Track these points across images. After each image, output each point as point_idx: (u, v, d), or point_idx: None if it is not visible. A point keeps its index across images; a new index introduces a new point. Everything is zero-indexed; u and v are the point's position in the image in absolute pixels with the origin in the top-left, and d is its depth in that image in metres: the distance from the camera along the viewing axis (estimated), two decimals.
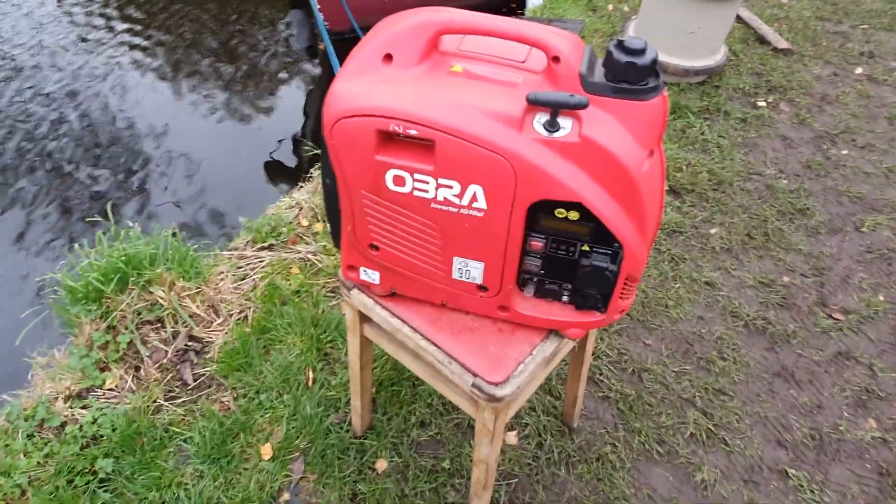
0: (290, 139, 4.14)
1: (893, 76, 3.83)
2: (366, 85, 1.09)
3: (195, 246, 2.44)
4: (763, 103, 3.50)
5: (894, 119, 3.49)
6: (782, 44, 3.91)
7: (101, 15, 5.37)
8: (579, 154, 1.05)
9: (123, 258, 2.15)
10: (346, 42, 3.98)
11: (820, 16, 4.36)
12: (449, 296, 1.33)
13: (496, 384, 1.26)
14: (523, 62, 1.14)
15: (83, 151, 3.95)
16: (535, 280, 1.28)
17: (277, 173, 3.89)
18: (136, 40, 5.02)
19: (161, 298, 2.28)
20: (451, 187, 1.10)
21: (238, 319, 2.33)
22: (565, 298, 1.29)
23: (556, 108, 1.02)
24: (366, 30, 4.62)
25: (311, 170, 3.22)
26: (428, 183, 1.11)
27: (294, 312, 2.26)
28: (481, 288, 1.27)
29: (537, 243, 1.21)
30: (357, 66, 1.12)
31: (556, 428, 2.03)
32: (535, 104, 1.02)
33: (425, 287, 1.32)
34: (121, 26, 5.21)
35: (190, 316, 2.30)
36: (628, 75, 1.02)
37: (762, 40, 3.97)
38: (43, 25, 5.14)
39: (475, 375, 1.28)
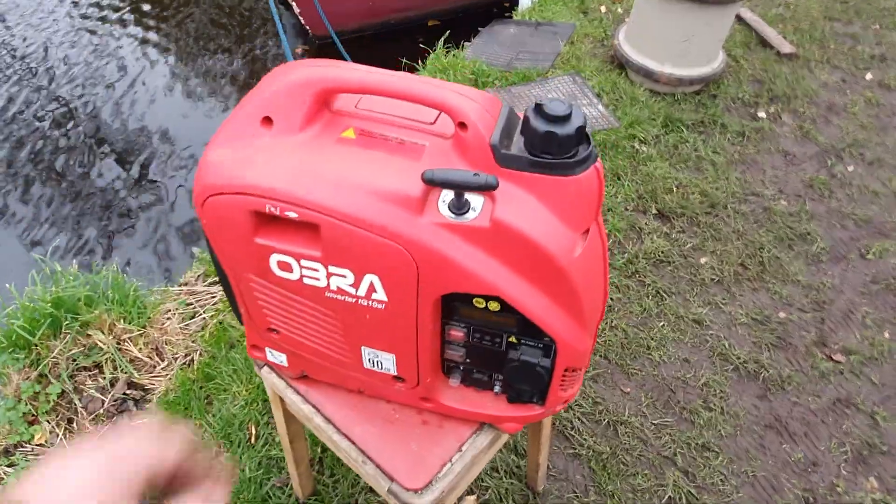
0: None
1: None
2: (240, 155, 0.90)
3: (139, 283, 2.27)
4: (763, 114, 3.27)
5: None
6: (786, 48, 3.66)
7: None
8: (492, 240, 0.86)
9: (54, 301, 1.99)
10: (327, 46, 3.81)
11: (829, 15, 4.10)
12: (364, 384, 1.15)
13: (415, 490, 1.08)
14: (432, 123, 0.95)
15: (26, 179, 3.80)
16: (461, 368, 1.10)
17: None
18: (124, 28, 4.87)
19: (100, 342, 2.12)
20: (343, 276, 0.92)
21: (183, 364, 2.16)
22: (497, 389, 1.10)
23: (457, 189, 0.84)
24: (348, 34, 4.38)
25: None
26: (318, 270, 0.92)
27: (240, 358, 2.09)
28: (397, 378, 1.09)
29: (457, 333, 1.02)
30: (233, 131, 0.93)
31: (520, 492, 1.85)
32: (431, 184, 0.83)
33: (337, 374, 1.14)
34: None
35: (130, 361, 2.13)
36: (549, 146, 0.83)
37: (765, 44, 3.72)
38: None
39: (392, 480, 1.10)
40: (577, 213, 0.88)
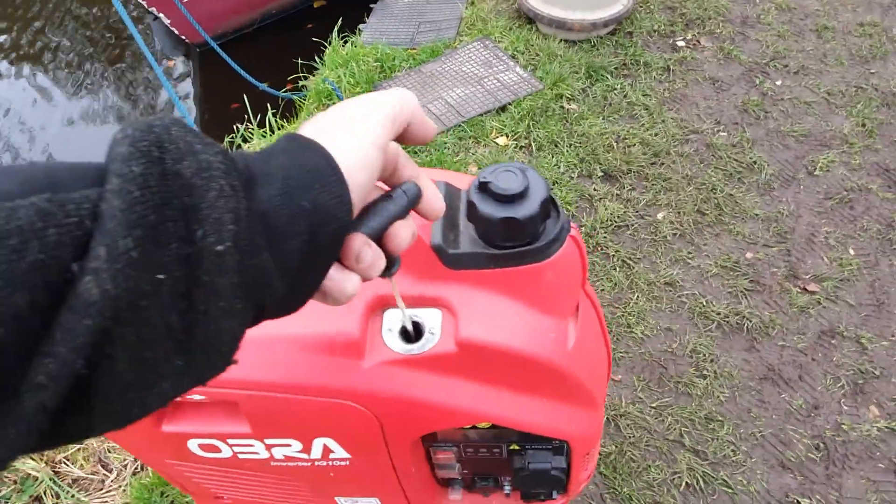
0: None
1: None
2: None
3: None
4: (682, 43, 3.14)
5: (821, 31, 3.18)
6: None
7: None
8: (465, 364, 0.67)
9: None
10: (209, 53, 3.44)
11: None
12: None
13: None
14: None
15: None
16: (459, 481, 0.92)
17: None
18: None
19: (33, 471, 1.84)
20: (288, 445, 0.71)
21: (136, 469, 1.91)
22: (507, 489, 0.93)
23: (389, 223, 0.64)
24: (230, 35, 3.92)
25: None
26: (252, 445, 0.71)
27: None
28: None
29: (445, 455, 0.83)
30: None
31: None
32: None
33: None
34: None
35: (73, 482, 1.87)
36: (510, 235, 0.63)
37: None
38: None
39: None
40: (561, 297, 0.69)
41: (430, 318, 0.67)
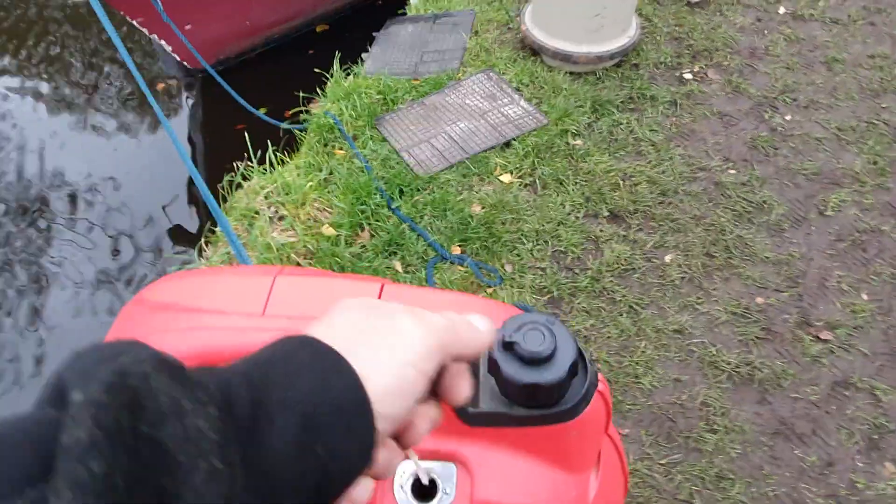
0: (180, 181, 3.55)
1: (818, 7, 3.47)
2: None
3: None
4: (689, 75, 3.10)
5: (831, 63, 3.14)
6: None
7: None
8: None
9: None
10: (210, 79, 3.39)
11: None
12: None
13: None
14: None
15: None
16: None
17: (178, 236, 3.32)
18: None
19: None
20: None
21: None
22: None
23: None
24: (233, 60, 3.84)
25: (210, 227, 2.69)
26: None
27: None
28: None
29: None
30: None
31: None
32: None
33: None
34: None
35: None
36: (536, 398, 0.59)
37: None
38: None
39: None
40: (583, 452, 0.64)
41: (445, 474, 0.62)
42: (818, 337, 2.17)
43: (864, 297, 2.28)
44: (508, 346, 0.58)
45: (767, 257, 2.37)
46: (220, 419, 0.29)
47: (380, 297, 0.72)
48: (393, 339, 0.36)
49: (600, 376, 0.63)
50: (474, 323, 0.41)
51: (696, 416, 1.99)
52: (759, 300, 2.26)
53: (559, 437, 0.61)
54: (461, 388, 0.41)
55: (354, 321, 0.37)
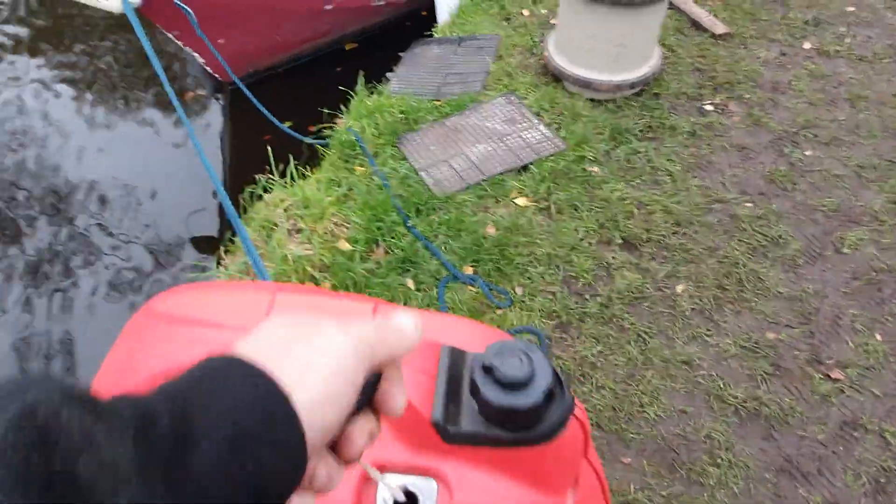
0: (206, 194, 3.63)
1: (845, 44, 3.47)
2: None
3: None
4: (710, 107, 3.11)
5: (855, 100, 3.13)
6: (719, 28, 3.51)
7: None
8: None
9: None
10: (238, 91, 3.49)
11: None
12: None
13: None
14: None
15: None
16: None
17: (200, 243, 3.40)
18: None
19: None
20: None
21: None
22: None
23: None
24: (261, 74, 3.92)
25: (230, 236, 2.74)
26: None
27: None
28: None
29: None
30: None
31: None
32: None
33: None
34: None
35: None
36: (512, 420, 0.61)
37: (698, 26, 3.57)
38: None
39: None
40: (560, 474, 0.67)
41: (426, 490, 0.64)
42: (828, 375, 2.15)
43: (878, 337, 2.25)
44: (488, 370, 0.61)
45: (780, 292, 2.36)
46: (139, 446, 0.28)
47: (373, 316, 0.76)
48: (318, 349, 0.36)
49: (578, 402, 0.66)
50: (401, 324, 0.40)
51: (699, 448, 1.98)
52: (770, 335, 2.25)
53: (536, 459, 0.63)
54: (396, 399, 0.41)
55: (279, 335, 0.37)
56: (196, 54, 3.87)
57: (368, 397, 0.40)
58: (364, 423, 0.39)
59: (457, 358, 0.67)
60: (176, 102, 2.34)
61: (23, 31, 4.89)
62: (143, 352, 0.68)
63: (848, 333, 2.27)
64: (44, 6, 5.16)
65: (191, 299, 0.73)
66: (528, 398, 0.60)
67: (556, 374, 0.62)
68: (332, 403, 0.35)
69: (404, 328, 0.40)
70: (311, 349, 0.36)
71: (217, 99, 4.34)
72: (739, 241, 2.53)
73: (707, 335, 2.24)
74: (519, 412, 0.60)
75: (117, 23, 4.85)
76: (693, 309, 2.32)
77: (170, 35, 3.63)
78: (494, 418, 0.61)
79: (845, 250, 2.51)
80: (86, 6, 3.08)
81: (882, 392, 2.12)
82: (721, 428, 2.01)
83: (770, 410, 2.05)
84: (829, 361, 2.19)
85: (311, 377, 0.34)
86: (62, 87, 4.46)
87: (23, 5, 5.15)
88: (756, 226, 2.58)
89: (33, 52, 4.71)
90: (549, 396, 0.61)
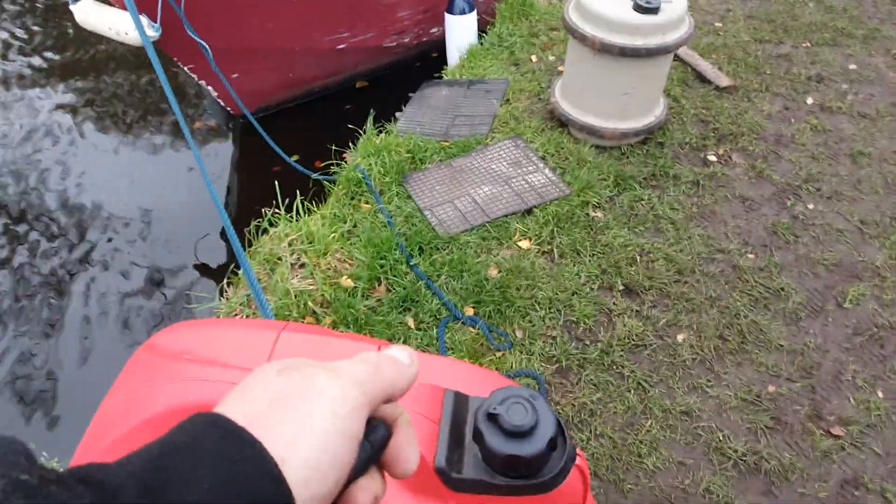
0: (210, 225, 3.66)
1: (847, 101, 3.53)
2: None
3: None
4: (714, 157, 3.15)
5: (857, 156, 3.17)
6: (724, 81, 3.58)
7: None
8: None
9: None
10: (249, 125, 3.55)
11: (758, 37, 4.06)
12: None
13: None
14: None
15: None
16: None
17: (203, 272, 3.40)
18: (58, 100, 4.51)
19: None
20: None
21: None
22: None
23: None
24: (273, 108, 3.98)
25: (233, 268, 2.74)
26: None
27: None
28: None
29: None
30: None
31: None
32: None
33: None
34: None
35: None
36: (515, 469, 0.61)
37: (703, 79, 3.64)
38: None
39: None
40: None
41: None
42: (829, 432, 2.12)
43: (880, 394, 2.23)
44: (492, 418, 0.61)
45: (782, 345, 2.35)
46: None
47: None
48: (310, 404, 0.32)
49: (578, 451, 0.66)
50: (397, 357, 0.37)
51: (698, 502, 1.94)
52: (771, 388, 2.23)
53: None
54: (408, 458, 0.37)
55: (269, 389, 0.33)
56: (210, 87, 3.95)
57: (376, 455, 0.37)
58: (368, 484, 0.35)
59: (460, 402, 0.67)
60: (188, 135, 2.38)
61: (43, 62, 5.01)
62: (145, 388, 0.68)
63: (849, 389, 2.25)
64: (65, 39, 5.29)
65: (194, 336, 0.74)
66: (531, 447, 0.60)
67: (558, 423, 0.62)
68: (330, 467, 0.32)
69: (399, 359, 0.38)
70: (302, 404, 0.32)
71: (228, 131, 4.41)
72: (741, 292, 2.53)
73: (707, 386, 2.23)
74: (522, 460, 0.60)
75: (134, 54, 4.98)
76: (694, 358, 2.31)
77: (185, 68, 3.71)
78: (498, 466, 0.61)
79: (847, 305, 2.51)
80: (107, 39, 3.16)
81: (884, 451, 2.09)
82: (720, 482, 1.98)
83: (770, 465, 2.02)
84: (830, 417, 2.16)
85: (305, 440, 0.31)
86: (78, 115, 4.54)
87: (44, 37, 5.28)
88: (758, 277, 2.59)
89: (52, 82, 4.81)
90: (552, 445, 0.61)
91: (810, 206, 2.91)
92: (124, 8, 2.99)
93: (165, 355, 0.69)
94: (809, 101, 3.53)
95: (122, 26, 3.18)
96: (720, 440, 2.08)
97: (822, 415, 2.17)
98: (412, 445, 0.37)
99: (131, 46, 3.48)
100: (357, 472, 0.35)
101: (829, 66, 3.79)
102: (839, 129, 3.35)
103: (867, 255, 2.70)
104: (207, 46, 3.33)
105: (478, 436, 0.62)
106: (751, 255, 2.68)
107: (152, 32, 3.14)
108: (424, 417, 0.64)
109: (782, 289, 2.54)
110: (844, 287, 2.57)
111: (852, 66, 3.79)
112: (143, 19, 3.09)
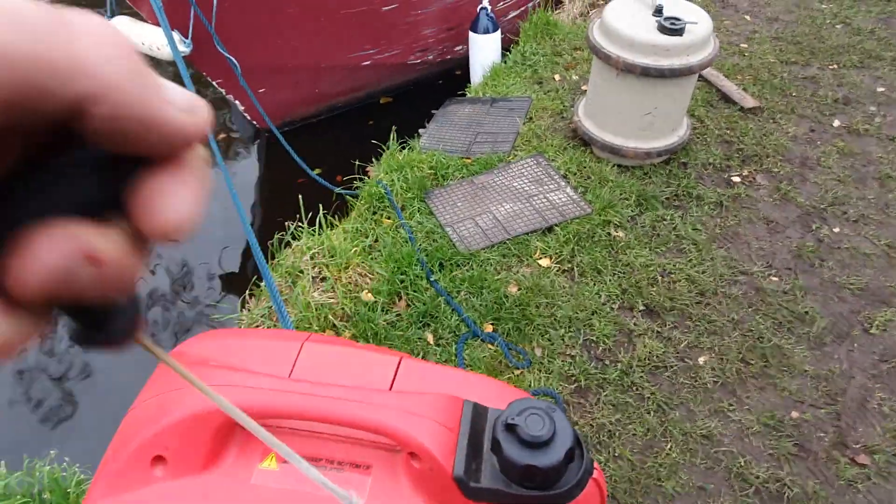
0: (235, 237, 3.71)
1: (874, 123, 3.49)
2: None
3: (84, 474, 1.99)
4: (738, 178, 3.13)
5: (885, 179, 3.13)
6: (749, 102, 3.56)
7: None
8: None
9: None
10: (274, 138, 3.61)
11: (785, 59, 4.04)
12: None
13: None
14: None
15: None
16: None
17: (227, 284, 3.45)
18: None
19: None
20: None
21: None
22: None
23: None
24: (297, 122, 4.06)
25: (255, 280, 2.77)
26: None
27: None
28: None
29: None
30: (115, 475, 0.70)
31: None
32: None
33: None
34: None
35: None
36: (533, 479, 0.62)
37: (727, 99, 3.63)
38: None
39: None
40: None
41: None
42: (854, 460, 2.08)
43: None
44: (510, 428, 0.62)
45: (806, 370, 2.31)
46: None
47: (397, 372, 0.77)
48: None
49: (596, 465, 0.66)
50: (162, 85, 0.22)
51: None
52: (795, 414, 2.19)
53: None
54: (172, 206, 0.23)
55: None
56: (237, 101, 4.03)
57: (108, 193, 0.23)
58: (71, 237, 0.21)
59: (479, 414, 0.68)
60: (215, 147, 2.43)
61: None
62: (172, 394, 0.70)
63: (875, 417, 2.20)
64: None
65: (222, 344, 0.75)
66: (549, 457, 0.60)
67: (576, 436, 0.62)
68: None
69: (168, 91, 0.22)
70: None
71: (254, 143, 4.48)
72: (764, 315, 2.50)
73: (729, 410, 2.19)
74: (539, 471, 0.60)
75: (164, 72, 5.09)
76: (715, 381, 2.28)
77: (214, 83, 3.79)
78: (515, 476, 0.62)
79: (874, 331, 2.46)
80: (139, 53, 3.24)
81: None
82: None
83: (793, 493, 1.98)
84: (855, 446, 2.11)
85: None
86: None
87: None
88: (782, 300, 2.55)
89: None
90: (570, 457, 0.62)
91: (836, 230, 2.87)
92: (158, 24, 3.08)
93: (193, 362, 0.71)
94: (836, 123, 3.49)
95: (155, 41, 3.27)
96: (742, 466, 2.04)
97: (847, 443, 2.12)
98: (188, 188, 0.23)
99: (161, 61, 3.57)
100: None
101: (856, 89, 3.76)
102: (866, 153, 3.30)
103: (894, 280, 2.65)
104: (236, 62, 3.40)
105: (496, 446, 0.63)
106: (774, 278, 2.64)
107: (184, 48, 3.22)
108: (442, 426, 0.65)
109: (807, 312, 2.50)
110: (871, 312, 2.52)
111: (881, 89, 3.75)
112: (176, 35, 3.17)
